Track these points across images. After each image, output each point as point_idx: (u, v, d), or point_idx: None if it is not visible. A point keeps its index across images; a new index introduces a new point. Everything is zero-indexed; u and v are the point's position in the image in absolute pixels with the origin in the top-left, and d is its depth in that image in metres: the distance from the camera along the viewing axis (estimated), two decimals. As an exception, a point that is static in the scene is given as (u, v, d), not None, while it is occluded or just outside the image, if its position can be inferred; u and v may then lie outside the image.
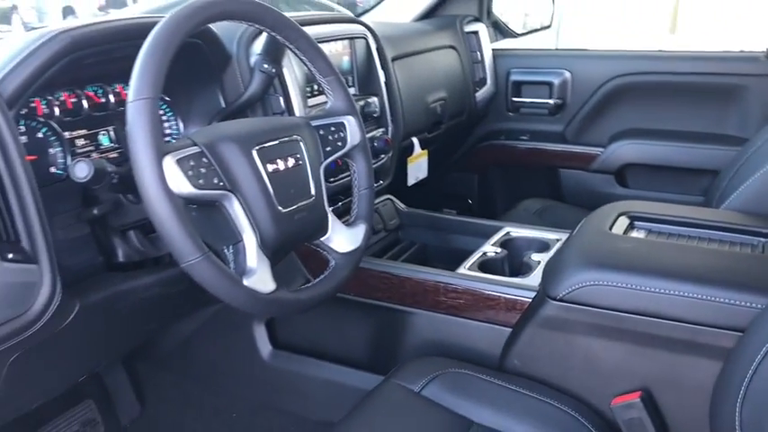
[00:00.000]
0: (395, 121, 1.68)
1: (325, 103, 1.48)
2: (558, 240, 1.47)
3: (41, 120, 1.09)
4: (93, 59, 1.05)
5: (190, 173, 0.88)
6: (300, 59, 1.12)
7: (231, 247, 0.96)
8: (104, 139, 1.19)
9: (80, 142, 1.15)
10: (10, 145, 0.86)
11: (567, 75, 2.19)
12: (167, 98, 1.28)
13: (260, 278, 0.94)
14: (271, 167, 0.98)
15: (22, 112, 1.04)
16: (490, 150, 2.37)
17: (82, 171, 0.89)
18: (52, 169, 1.10)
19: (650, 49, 2.18)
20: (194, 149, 0.92)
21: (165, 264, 1.12)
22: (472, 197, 2.42)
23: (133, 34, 0.99)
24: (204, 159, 0.92)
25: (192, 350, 1.60)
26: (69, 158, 1.12)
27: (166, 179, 0.85)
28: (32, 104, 1.07)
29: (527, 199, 2.15)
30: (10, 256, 0.85)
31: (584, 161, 2.21)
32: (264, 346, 1.52)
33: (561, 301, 1.16)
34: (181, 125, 1.30)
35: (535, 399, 1.13)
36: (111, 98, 1.20)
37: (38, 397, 1.13)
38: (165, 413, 1.63)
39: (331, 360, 1.48)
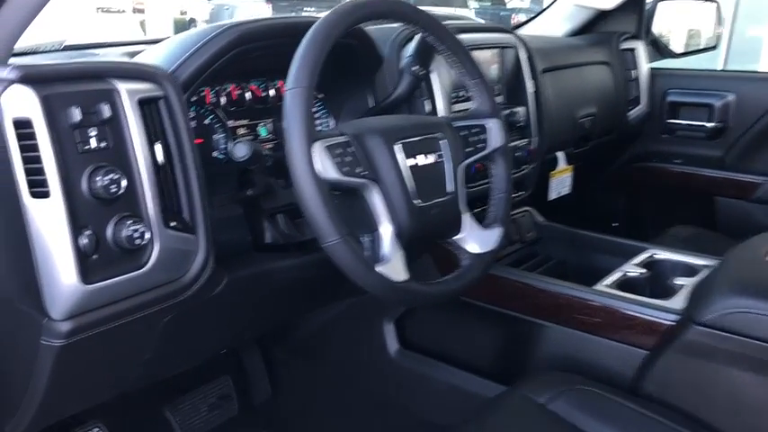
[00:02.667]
0: (540, 133, 1.66)
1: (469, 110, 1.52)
2: (706, 266, 1.38)
3: (209, 107, 1.19)
4: (257, 54, 1.13)
5: (336, 160, 0.93)
6: (449, 61, 1.15)
7: (369, 234, 0.99)
8: (262, 131, 1.28)
9: (241, 131, 1.25)
10: (182, 126, 0.95)
11: (731, 97, 2.05)
12: (321, 95, 1.36)
13: (393, 267, 0.96)
14: (411, 162, 1.01)
15: (193, 99, 1.15)
16: (640, 172, 2.26)
17: (241, 151, 0.96)
18: (215, 153, 1.20)
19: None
20: (342, 139, 0.96)
21: (308, 249, 1.18)
22: (618, 219, 2.32)
23: (292, 31, 1.06)
24: (350, 149, 0.96)
25: (323, 341, 1.66)
26: (231, 145, 1.21)
27: (314, 162, 0.90)
28: (202, 93, 1.18)
29: (677, 225, 2.03)
30: (172, 224, 0.93)
31: (745, 190, 2.05)
32: (393, 345, 1.55)
33: (706, 326, 1.09)
34: (332, 122, 1.37)
35: (671, 428, 1.06)
36: (272, 93, 1.28)
37: (184, 361, 1.22)
38: (294, 398, 1.71)
39: (457, 365, 1.47)
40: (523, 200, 1.66)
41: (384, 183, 0.98)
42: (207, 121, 1.19)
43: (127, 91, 0.89)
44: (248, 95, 1.25)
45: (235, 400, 1.59)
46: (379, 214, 0.98)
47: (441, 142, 1.06)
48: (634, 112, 2.15)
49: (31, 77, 0.82)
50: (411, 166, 1.01)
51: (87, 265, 0.84)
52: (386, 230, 0.98)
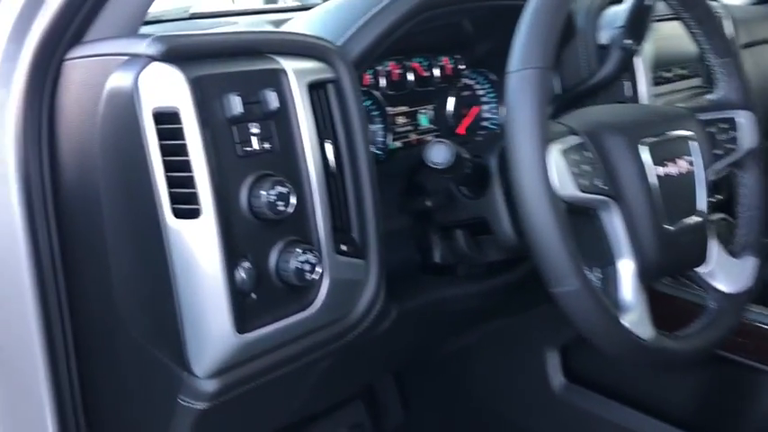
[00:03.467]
0: (743, 124, 1.36)
1: (671, 93, 1.23)
2: None
3: (364, 90, 0.96)
4: (437, 23, 0.89)
5: (574, 169, 0.67)
6: (691, 33, 0.87)
7: (599, 270, 0.74)
8: (423, 119, 1.05)
9: (400, 120, 1.01)
10: (355, 119, 0.73)
11: None
12: (493, 77, 1.10)
13: (639, 318, 0.71)
14: (660, 170, 0.75)
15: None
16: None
17: (440, 155, 0.72)
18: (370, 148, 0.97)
19: None
20: (576, 139, 0.71)
21: (486, 273, 0.94)
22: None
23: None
24: (586, 153, 0.70)
25: (465, 363, 1.42)
26: (390, 137, 0.98)
27: (551, 175, 0.65)
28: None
29: None
30: (342, 247, 0.71)
31: None
32: (556, 376, 1.29)
33: None
34: (503, 112, 1.11)
35: None
36: (436, 72, 1.04)
37: (330, 400, 1.02)
38: (428, 426, 1.48)
39: (641, 409, 1.20)
40: (719, 206, 1.35)
41: (627, 200, 0.72)
42: None
43: (294, 72, 0.66)
44: (410, 76, 1.01)
45: (368, 428, 1.38)
46: (618, 243, 0.72)
47: (691, 143, 0.79)
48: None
49: (176, 53, 0.60)
50: (660, 177, 0.74)
51: (244, 308, 0.63)
52: (626, 267, 0.72)
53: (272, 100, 0.62)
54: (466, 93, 1.09)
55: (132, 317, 0.66)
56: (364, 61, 0.80)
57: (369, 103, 0.97)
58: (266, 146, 0.63)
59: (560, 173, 0.66)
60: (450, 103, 1.06)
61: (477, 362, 1.40)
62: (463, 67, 1.07)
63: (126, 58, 0.62)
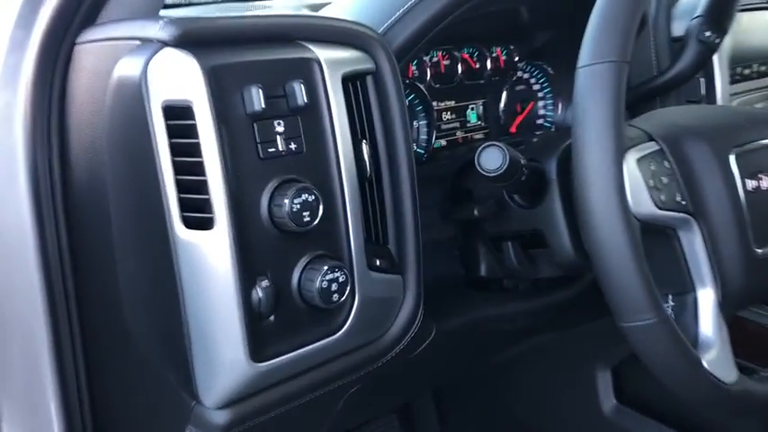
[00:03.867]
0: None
1: (749, 93, 1.12)
2: None
3: (408, 83, 0.87)
4: (490, 9, 0.80)
5: (651, 182, 0.57)
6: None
7: (670, 297, 0.64)
8: (472, 116, 0.96)
9: (446, 116, 0.92)
10: (397, 116, 0.64)
11: None
12: (550, 70, 1.00)
13: (720, 357, 0.61)
14: (750, 184, 0.64)
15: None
16: None
17: (493, 161, 0.62)
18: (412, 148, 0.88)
19: None
20: (653, 146, 0.60)
21: (535, 288, 0.84)
22: None
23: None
24: (665, 163, 0.60)
25: (508, 378, 1.33)
26: (434, 135, 0.90)
27: (626, 190, 0.55)
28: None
29: None
30: (377, 262, 0.62)
31: None
32: (607, 398, 1.19)
33: None
34: (559, 110, 1.01)
35: None
36: (488, 64, 0.95)
37: (359, 420, 0.94)
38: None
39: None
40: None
41: (711, 218, 0.62)
42: (405, 102, 0.87)
43: (327, 62, 0.57)
44: (459, 68, 0.92)
45: (401, 442, 1.30)
46: (698, 268, 0.62)
47: (790, 152, 0.68)
48: None
49: (192, 38, 0.52)
50: (749, 192, 0.64)
51: (260, 333, 0.55)
52: (705, 294, 0.62)
53: (300, 93, 0.54)
54: (520, 87, 0.99)
55: (139, 330, 0.59)
56: (408, 51, 0.71)
57: (412, 97, 0.88)
58: (292, 146, 0.55)
59: (635, 186, 0.56)
60: (503, 98, 0.97)
61: (521, 377, 1.30)
62: (518, 58, 0.98)
63: (137, 42, 0.54)
